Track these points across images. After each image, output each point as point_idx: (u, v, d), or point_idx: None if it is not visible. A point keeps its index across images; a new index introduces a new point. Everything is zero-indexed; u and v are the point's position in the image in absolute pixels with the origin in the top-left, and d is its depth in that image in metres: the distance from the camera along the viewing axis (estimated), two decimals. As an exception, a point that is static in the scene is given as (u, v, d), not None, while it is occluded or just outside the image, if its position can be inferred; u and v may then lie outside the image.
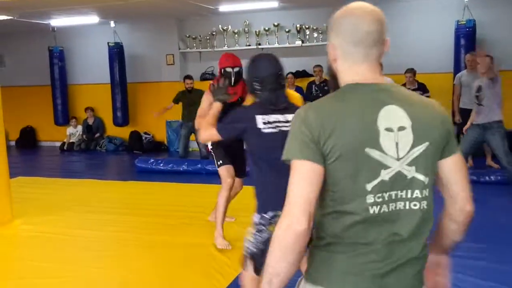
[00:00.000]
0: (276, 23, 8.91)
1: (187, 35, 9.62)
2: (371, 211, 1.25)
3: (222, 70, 3.97)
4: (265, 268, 1.28)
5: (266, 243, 2.36)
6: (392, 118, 1.26)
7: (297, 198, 1.22)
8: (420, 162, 1.28)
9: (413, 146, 1.27)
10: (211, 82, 3.63)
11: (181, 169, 7.34)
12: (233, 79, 3.92)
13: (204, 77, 9.61)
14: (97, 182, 7.03)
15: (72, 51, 10.65)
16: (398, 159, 1.26)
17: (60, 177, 7.49)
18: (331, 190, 1.26)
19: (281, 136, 2.15)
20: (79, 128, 10.55)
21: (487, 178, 6.05)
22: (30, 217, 5.15)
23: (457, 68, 7.69)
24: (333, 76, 1.39)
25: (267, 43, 9.12)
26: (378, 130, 1.24)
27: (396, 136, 1.25)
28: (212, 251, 4.02)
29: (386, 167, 1.25)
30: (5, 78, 11.05)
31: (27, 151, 10.68)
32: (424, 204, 1.30)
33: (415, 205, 1.29)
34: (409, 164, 1.27)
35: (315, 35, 8.77)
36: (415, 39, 8.32)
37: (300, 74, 8.83)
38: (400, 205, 1.27)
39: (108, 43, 9.82)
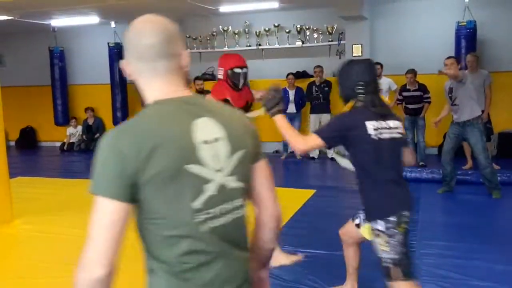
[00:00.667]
0: (276, 24, 8.92)
1: (188, 36, 9.61)
2: (202, 230, 1.19)
3: (230, 71, 3.58)
4: None
5: (404, 243, 2.42)
6: (206, 130, 1.22)
7: (96, 242, 1.14)
8: (238, 171, 1.26)
9: (231, 156, 1.24)
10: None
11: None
12: (242, 81, 3.61)
13: (204, 78, 9.60)
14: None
15: (72, 51, 10.66)
16: (219, 170, 1.22)
17: (60, 177, 7.49)
18: (155, 219, 1.18)
19: (394, 142, 2.43)
20: (79, 128, 10.55)
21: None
22: (30, 217, 5.15)
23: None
24: (141, 94, 1.32)
25: (267, 44, 9.12)
26: (194, 144, 1.19)
27: (213, 147, 1.21)
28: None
29: (209, 181, 1.20)
30: (5, 78, 11.04)
31: (27, 151, 10.68)
32: (243, 211, 1.29)
33: (238, 213, 1.27)
34: (230, 174, 1.24)
35: (315, 35, 8.78)
36: (416, 39, 8.33)
37: (300, 75, 8.83)
38: (227, 218, 1.24)
39: (108, 43, 9.82)
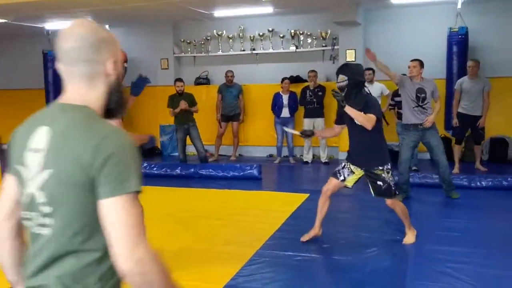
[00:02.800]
0: (270, 29, 8.96)
1: (182, 40, 9.64)
2: (26, 226, 1.30)
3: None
4: None
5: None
6: (37, 139, 1.25)
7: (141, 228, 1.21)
8: (46, 189, 1.22)
9: (41, 171, 1.23)
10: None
11: (175, 173, 7.35)
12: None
13: (198, 82, 9.64)
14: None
15: (66, 55, 10.64)
16: (31, 180, 1.25)
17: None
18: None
19: None
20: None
21: (478, 183, 6.10)
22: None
23: (449, 75, 7.78)
24: None
25: (261, 48, 9.16)
26: (25, 149, 1.27)
27: (33, 157, 1.25)
28: (205, 256, 4.03)
29: (26, 186, 1.27)
30: (-2, 81, 11.04)
31: (20, 154, 10.63)
32: (46, 231, 1.23)
33: (38, 229, 1.25)
34: (40, 188, 1.23)
35: (309, 40, 8.83)
36: (408, 45, 8.39)
37: (294, 80, 8.87)
38: (31, 224, 1.27)
39: (102, 47, 9.82)
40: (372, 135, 3.87)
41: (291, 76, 8.85)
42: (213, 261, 3.90)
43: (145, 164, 7.66)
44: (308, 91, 8.33)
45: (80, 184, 1.18)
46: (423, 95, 5.50)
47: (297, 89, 8.58)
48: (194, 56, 9.68)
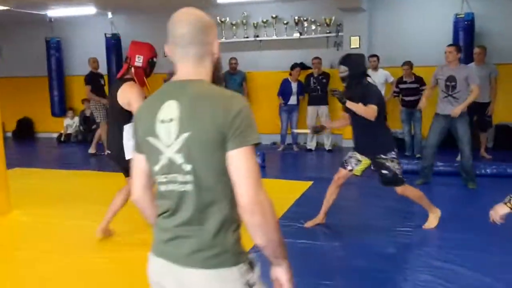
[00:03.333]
0: (274, 15, 8.89)
1: (185, 27, 9.57)
2: (161, 189, 1.49)
3: (150, 60, 3.79)
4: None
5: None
6: (167, 111, 1.44)
7: (132, 179, 1.61)
8: (184, 150, 1.41)
9: (177, 136, 1.42)
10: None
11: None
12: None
13: (201, 69, 9.59)
14: (94, 173, 7.03)
15: (69, 42, 10.61)
16: (168, 146, 1.44)
17: (57, 168, 7.49)
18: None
19: None
20: (76, 119, 10.53)
21: (483, 171, 6.08)
22: (28, 208, 5.15)
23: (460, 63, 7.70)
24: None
25: (265, 35, 9.09)
26: (155, 121, 1.45)
27: (167, 126, 1.43)
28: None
29: (161, 153, 1.45)
30: (2, 69, 11.02)
31: (23, 142, 10.67)
32: (189, 187, 1.43)
33: (182, 187, 1.44)
34: (177, 152, 1.43)
35: (313, 27, 8.76)
36: (413, 32, 8.32)
37: (298, 67, 8.81)
38: (174, 186, 1.46)
39: (105, 34, 9.78)
40: (374, 123, 3.91)
41: (295, 63, 8.80)
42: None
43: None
44: (312, 78, 8.28)
45: (213, 140, 1.38)
46: (453, 83, 5.38)
47: (301, 76, 8.53)
48: (197, 43, 9.62)
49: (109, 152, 3.95)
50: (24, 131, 11.13)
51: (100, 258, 3.82)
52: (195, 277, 1.42)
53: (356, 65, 3.96)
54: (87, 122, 10.39)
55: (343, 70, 3.96)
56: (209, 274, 1.41)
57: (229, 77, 8.78)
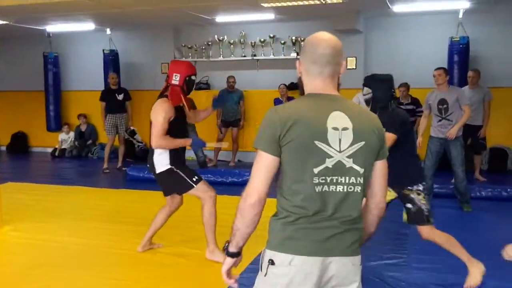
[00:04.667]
0: (272, 35, 8.96)
1: (183, 44, 9.63)
2: (317, 190, 1.62)
3: (188, 78, 3.83)
4: (233, 226, 1.72)
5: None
6: (338, 120, 1.65)
7: (254, 180, 1.65)
8: (357, 156, 1.65)
9: (352, 143, 1.65)
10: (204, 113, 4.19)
11: (173, 178, 7.31)
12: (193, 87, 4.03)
13: (198, 87, 9.61)
14: (88, 190, 6.97)
15: (67, 57, 10.64)
16: (340, 151, 1.63)
17: (51, 184, 7.43)
18: (284, 173, 1.64)
19: None
20: (71, 134, 10.50)
21: (478, 194, 6.08)
22: (19, 224, 5.09)
23: (451, 84, 7.75)
24: (302, 86, 1.79)
25: (262, 55, 9.15)
26: (326, 128, 1.63)
27: (340, 134, 1.64)
28: (203, 260, 3.99)
29: (330, 156, 1.62)
30: (-2, 83, 11.01)
31: (18, 156, 10.60)
32: (358, 188, 1.67)
33: (350, 188, 1.65)
34: (348, 157, 1.64)
35: (310, 47, 8.81)
36: (409, 54, 8.40)
37: (295, 86, 8.85)
38: (339, 187, 1.64)
39: (103, 50, 9.82)
40: (398, 153, 3.24)
41: (292, 83, 8.84)
42: (211, 268, 3.86)
43: (143, 169, 7.62)
44: (308, 98, 8.31)
45: (376, 150, 1.71)
46: (444, 106, 5.47)
47: (298, 95, 8.56)
48: (195, 61, 9.65)
49: (147, 166, 4.05)
50: (19, 146, 11.06)
51: (90, 276, 3.77)
52: (350, 265, 1.68)
53: (381, 87, 3.49)
54: (83, 137, 10.36)
55: (366, 92, 3.56)
56: (358, 259, 1.72)
57: (227, 95, 8.80)
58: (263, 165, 1.63)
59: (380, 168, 1.75)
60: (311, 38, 1.73)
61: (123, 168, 8.26)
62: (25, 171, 9.03)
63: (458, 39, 7.68)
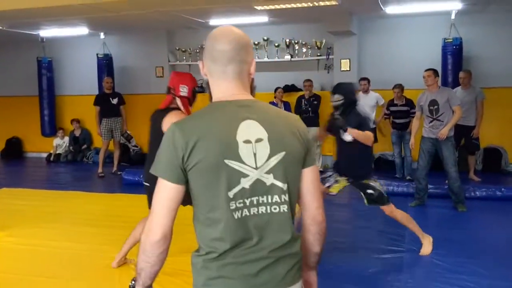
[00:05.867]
0: (265, 38, 8.98)
1: (177, 48, 9.64)
2: (236, 216, 1.38)
3: (193, 89, 3.82)
4: (137, 264, 1.47)
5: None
6: (250, 131, 1.39)
7: (156, 213, 1.40)
8: (278, 170, 1.41)
9: (270, 156, 1.40)
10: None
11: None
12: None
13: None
14: (83, 194, 6.95)
15: (61, 62, 10.61)
16: (257, 168, 1.39)
17: (46, 189, 7.40)
18: (197, 200, 1.41)
19: None
20: (66, 139, 10.46)
21: (472, 194, 6.11)
22: (14, 229, 5.07)
23: (444, 85, 7.78)
24: (210, 92, 1.54)
25: (256, 57, 9.16)
26: (237, 143, 1.37)
27: (254, 147, 1.39)
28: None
29: (245, 175, 1.37)
30: (-8, 88, 10.96)
31: (12, 162, 10.55)
32: (284, 207, 1.43)
33: (275, 208, 1.42)
34: (267, 172, 1.40)
35: (304, 50, 8.85)
36: (403, 55, 8.43)
37: (289, 89, 8.88)
38: (262, 209, 1.40)
39: (97, 54, 9.80)
40: (361, 149, 4.00)
41: (286, 85, 8.86)
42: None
43: (138, 173, 7.61)
44: (303, 100, 8.33)
45: (301, 158, 1.47)
46: (435, 107, 5.51)
47: (292, 98, 8.58)
48: (189, 64, 9.67)
49: (147, 184, 3.61)
50: (13, 151, 11.01)
51: (88, 282, 3.75)
52: None
53: (350, 93, 4.11)
54: (77, 143, 10.33)
55: (338, 98, 4.04)
56: (298, 286, 1.50)
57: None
58: (165, 196, 1.39)
59: (309, 176, 1.50)
60: (211, 33, 1.48)
61: (118, 172, 8.25)
62: (20, 177, 8.99)
63: (451, 40, 7.72)
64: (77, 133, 10.37)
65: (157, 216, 1.40)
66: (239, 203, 1.37)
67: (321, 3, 6.62)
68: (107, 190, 7.32)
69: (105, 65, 9.76)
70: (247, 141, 1.38)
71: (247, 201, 1.38)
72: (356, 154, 4.05)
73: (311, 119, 8.27)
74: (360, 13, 8.13)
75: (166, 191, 1.39)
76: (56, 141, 10.44)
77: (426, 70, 5.67)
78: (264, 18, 8.21)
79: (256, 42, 9.03)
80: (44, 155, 10.59)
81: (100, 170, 8.38)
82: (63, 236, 4.87)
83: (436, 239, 4.37)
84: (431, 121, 5.57)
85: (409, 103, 7.52)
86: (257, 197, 1.39)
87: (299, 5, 6.67)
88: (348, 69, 8.49)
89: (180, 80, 3.71)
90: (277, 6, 6.79)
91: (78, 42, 10.28)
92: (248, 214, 1.39)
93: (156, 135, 3.50)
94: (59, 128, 10.55)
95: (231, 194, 1.37)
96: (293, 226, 1.47)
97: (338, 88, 4.13)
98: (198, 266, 1.43)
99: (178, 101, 3.67)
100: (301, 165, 1.48)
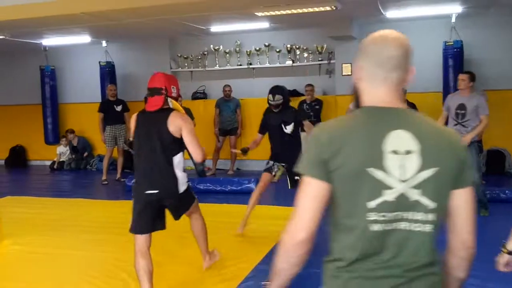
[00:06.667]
0: (267, 43, 9.01)
1: (179, 55, 9.68)
2: (372, 228, 1.30)
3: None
4: (273, 265, 1.43)
5: None
6: (400, 142, 1.31)
7: (301, 212, 1.35)
8: (428, 186, 1.31)
9: (420, 170, 1.31)
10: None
11: (172, 188, 7.32)
12: None
13: (195, 96, 9.66)
14: (87, 202, 6.98)
15: (63, 70, 10.67)
16: (403, 181, 1.30)
17: (50, 197, 7.43)
18: (336, 205, 1.35)
19: None
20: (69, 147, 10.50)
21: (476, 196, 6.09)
22: (19, 238, 5.09)
23: (446, 88, 7.80)
24: (357, 95, 1.46)
25: (258, 63, 9.20)
26: (382, 152, 1.30)
27: (402, 159, 1.30)
28: (202, 272, 4.00)
29: (389, 187, 1.29)
30: (-5, 97, 11.02)
31: (16, 170, 10.59)
32: (428, 227, 1.33)
33: (417, 227, 1.32)
34: (415, 187, 1.30)
35: (305, 55, 8.88)
36: (404, 59, 8.44)
37: (291, 94, 8.87)
38: (402, 225, 1.32)
39: (99, 62, 9.85)
40: (297, 138, 4.94)
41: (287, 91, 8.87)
42: (211, 278, 3.86)
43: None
44: (305, 105, 8.35)
45: (454, 177, 1.34)
46: (462, 111, 5.40)
47: (294, 103, 8.58)
48: (191, 71, 9.72)
49: (153, 192, 3.41)
50: (17, 159, 11.06)
51: (92, 288, 3.77)
52: None
53: (286, 94, 4.98)
54: (77, 151, 10.35)
55: (279, 98, 4.84)
56: None
57: (223, 104, 8.86)
58: (311, 194, 1.33)
59: (463, 197, 1.38)
60: (374, 37, 1.41)
61: (122, 179, 8.26)
62: (24, 185, 9.02)
63: (452, 43, 7.73)
64: (74, 142, 10.38)
65: (301, 216, 1.34)
66: (378, 215, 1.30)
67: (321, 8, 6.65)
68: (111, 197, 7.34)
69: (108, 73, 9.81)
70: (395, 152, 1.30)
71: (388, 215, 1.30)
72: (294, 143, 4.85)
73: (313, 124, 8.29)
74: (361, 17, 8.16)
75: (311, 189, 1.34)
76: (60, 149, 10.48)
77: (462, 73, 5.63)
78: (265, 24, 8.24)
79: (257, 48, 9.07)
80: (48, 163, 10.63)
81: (104, 177, 8.41)
82: (67, 244, 4.89)
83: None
84: (455, 125, 5.44)
85: (412, 106, 7.52)
86: (399, 212, 1.30)
87: (299, 10, 6.71)
88: (350, 73, 8.51)
89: (170, 81, 3.65)
90: (278, 12, 6.83)
91: (81, 50, 10.34)
92: (386, 228, 1.31)
93: (160, 136, 3.41)
94: (62, 136, 10.59)
95: (371, 204, 1.30)
96: (436, 249, 1.37)
97: (278, 90, 4.92)
98: (328, 273, 1.41)
99: (170, 102, 3.59)
100: (454, 183, 1.36)
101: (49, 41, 9.42)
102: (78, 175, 9.72)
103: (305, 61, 8.91)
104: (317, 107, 8.32)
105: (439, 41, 7.91)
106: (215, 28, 8.47)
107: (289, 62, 8.94)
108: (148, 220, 3.42)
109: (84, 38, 9.14)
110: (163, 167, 3.41)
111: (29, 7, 4.61)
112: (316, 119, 8.30)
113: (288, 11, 6.77)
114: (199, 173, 8.09)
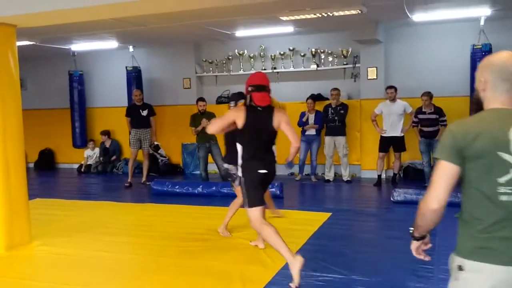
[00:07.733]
0: (291, 48, 9.01)
1: (204, 59, 9.76)
2: (501, 199, 1.70)
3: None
4: (415, 220, 1.90)
5: None
6: None
7: (435, 187, 1.77)
8: None
9: None
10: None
11: (196, 191, 7.37)
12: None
13: (220, 101, 9.71)
14: (113, 204, 7.08)
15: (91, 75, 10.88)
16: None
17: (77, 199, 7.57)
18: (471, 179, 1.75)
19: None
20: (97, 150, 10.69)
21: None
22: (48, 239, 5.19)
23: (473, 92, 7.65)
24: (478, 102, 1.88)
25: (282, 67, 9.20)
26: (509, 140, 1.71)
27: None
28: (225, 275, 4.01)
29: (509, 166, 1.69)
30: (26, 101, 11.25)
31: (45, 173, 10.83)
32: None
33: None
34: None
35: (330, 59, 8.84)
36: (430, 62, 8.33)
37: (316, 98, 8.86)
38: None
39: (126, 67, 10.02)
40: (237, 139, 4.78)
41: (312, 94, 8.85)
42: (234, 281, 3.86)
43: (167, 183, 7.72)
44: (330, 109, 8.30)
45: None
46: None
47: (319, 107, 8.56)
48: (216, 76, 9.78)
49: (264, 172, 3.99)
50: (46, 162, 11.32)
51: (118, 290, 3.81)
52: None
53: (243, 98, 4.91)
54: (107, 154, 10.54)
55: (242, 103, 4.67)
56: None
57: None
58: (443, 173, 1.76)
59: None
60: (500, 56, 1.85)
61: (147, 183, 8.36)
62: (52, 187, 9.22)
63: (480, 46, 7.59)
64: (107, 144, 10.58)
65: (435, 189, 1.77)
66: (508, 189, 1.69)
67: (347, 12, 6.61)
68: (137, 200, 7.43)
69: (134, 78, 9.96)
70: None
71: (510, 189, 1.69)
72: (234, 142, 4.48)
73: (337, 128, 8.24)
74: (386, 21, 8.08)
75: (446, 169, 1.75)
76: (87, 152, 10.68)
77: None
78: (290, 28, 8.25)
79: (281, 52, 9.07)
80: (75, 166, 10.84)
81: (129, 179, 8.52)
82: (94, 245, 4.97)
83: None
84: None
85: (438, 111, 7.41)
86: None
87: (324, 14, 6.68)
88: (375, 77, 8.44)
89: (267, 80, 4.28)
90: (302, 16, 6.82)
91: (108, 56, 10.53)
92: (511, 199, 1.69)
93: (268, 128, 4.00)
94: (89, 139, 10.80)
95: (500, 180, 1.70)
96: None
97: (241, 95, 5.04)
98: (464, 235, 1.78)
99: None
100: None
101: (77, 46, 9.63)
102: (105, 178, 9.88)
103: (330, 65, 8.87)
104: (342, 111, 8.26)
105: (467, 45, 7.77)
106: (240, 32, 8.51)
107: (313, 66, 8.92)
108: (262, 193, 3.99)
109: (112, 44, 9.31)
110: (270, 153, 4.13)
111: (59, 13, 4.72)
112: (340, 123, 8.25)
113: (314, 15, 6.75)
114: (222, 177, 8.10)
